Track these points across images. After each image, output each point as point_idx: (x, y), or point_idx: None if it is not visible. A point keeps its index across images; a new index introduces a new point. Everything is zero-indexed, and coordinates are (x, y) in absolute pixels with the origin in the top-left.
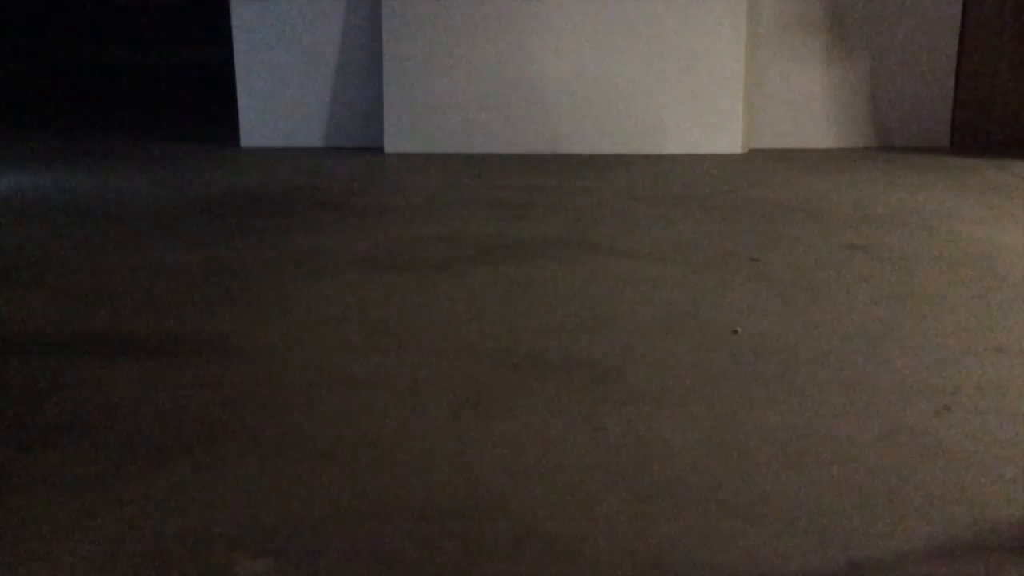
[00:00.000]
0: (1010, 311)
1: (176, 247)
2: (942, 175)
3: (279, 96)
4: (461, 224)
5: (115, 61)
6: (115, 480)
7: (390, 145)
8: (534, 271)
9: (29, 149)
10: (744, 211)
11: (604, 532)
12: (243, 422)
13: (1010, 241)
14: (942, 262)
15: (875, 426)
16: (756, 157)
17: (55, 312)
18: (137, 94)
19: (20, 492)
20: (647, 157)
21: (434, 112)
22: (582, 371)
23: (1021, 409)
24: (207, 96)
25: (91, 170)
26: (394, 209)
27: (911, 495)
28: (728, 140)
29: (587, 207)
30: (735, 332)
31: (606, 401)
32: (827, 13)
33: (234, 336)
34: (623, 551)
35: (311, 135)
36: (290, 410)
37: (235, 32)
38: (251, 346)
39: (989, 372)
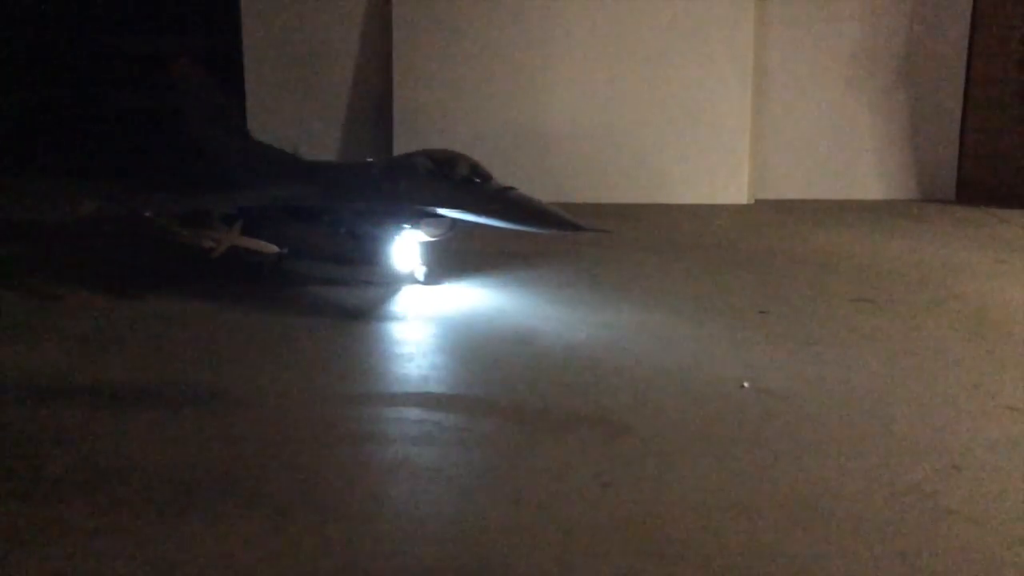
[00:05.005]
0: (1020, 368)
1: (180, 294)
2: (949, 228)
3: (289, 135)
4: (467, 272)
5: (121, 105)
6: (124, 534)
7: None
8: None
9: (37, 192)
10: (751, 262)
11: None
12: (253, 476)
13: (1020, 296)
14: (950, 317)
15: (884, 485)
16: (762, 208)
17: (65, 361)
18: (146, 134)
19: (29, 547)
20: (653, 207)
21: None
22: (591, 426)
23: None
24: None
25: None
26: None
27: (921, 556)
28: (734, 191)
29: (594, 256)
30: (743, 386)
31: (615, 458)
32: (834, 66)
33: (240, 387)
34: None
35: None
36: (298, 464)
37: (247, 74)
38: (257, 397)
39: (999, 431)
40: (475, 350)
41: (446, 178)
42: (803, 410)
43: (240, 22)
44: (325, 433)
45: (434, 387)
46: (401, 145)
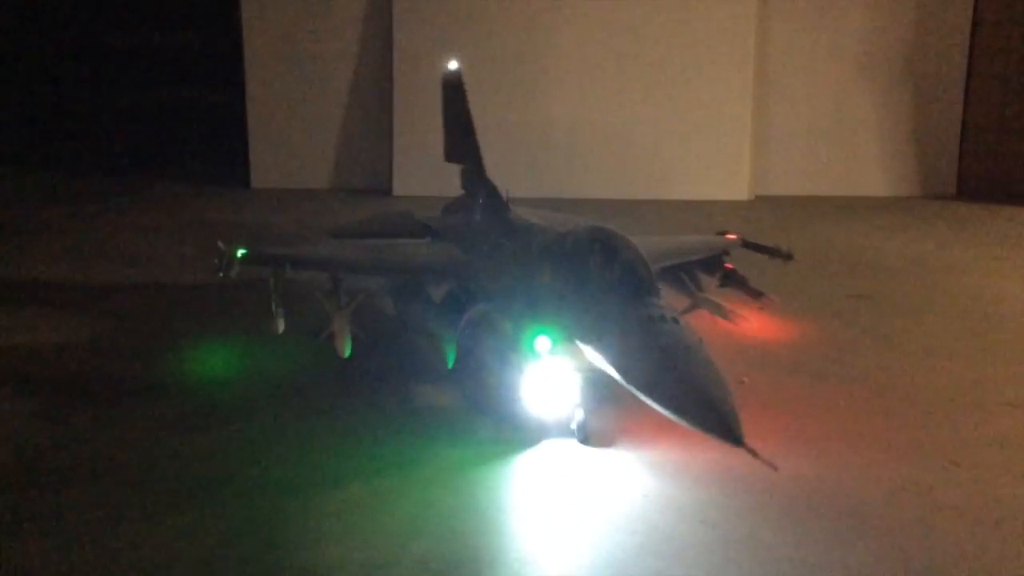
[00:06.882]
0: (1018, 364)
1: (182, 291)
2: (949, 224)
3: (289, 138)
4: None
5: (126, 103)
6: (121, 525)
7: (399, 188)
8: None
9: (40, 190)
10: (749, 258)
11: None
12: (249, 469)
13: (1019, 292)
14: (950, 313)
15: (883, 481)
16: (762, 204)
17: (63, 354)
18: (150, 135)
19: (25, 538)
20: (654, 203)
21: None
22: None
23: None
24: (218, 137)
25: (106, 208)
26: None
27: (920, 552)
28: (735, 187)
29: None
30: (742, 382)
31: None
32: (835, 64)
33: (238, 384)
34: None
35: (319, 177)
36: (295, 459)
37: (248, 77)
38: (257, 394)
39: (998, 427)
40: None
41: (594, 280)
42: (801, 405)
43: (241, 24)
44: None
45: None
46: (401, 144)
